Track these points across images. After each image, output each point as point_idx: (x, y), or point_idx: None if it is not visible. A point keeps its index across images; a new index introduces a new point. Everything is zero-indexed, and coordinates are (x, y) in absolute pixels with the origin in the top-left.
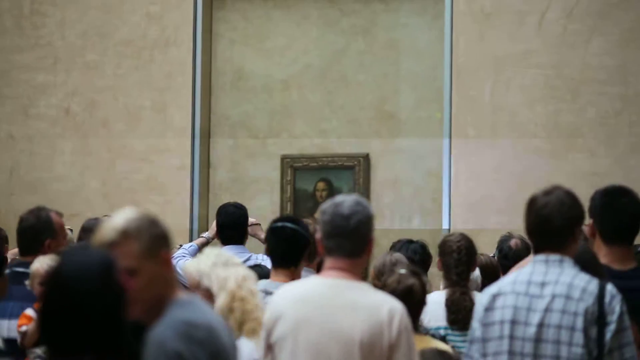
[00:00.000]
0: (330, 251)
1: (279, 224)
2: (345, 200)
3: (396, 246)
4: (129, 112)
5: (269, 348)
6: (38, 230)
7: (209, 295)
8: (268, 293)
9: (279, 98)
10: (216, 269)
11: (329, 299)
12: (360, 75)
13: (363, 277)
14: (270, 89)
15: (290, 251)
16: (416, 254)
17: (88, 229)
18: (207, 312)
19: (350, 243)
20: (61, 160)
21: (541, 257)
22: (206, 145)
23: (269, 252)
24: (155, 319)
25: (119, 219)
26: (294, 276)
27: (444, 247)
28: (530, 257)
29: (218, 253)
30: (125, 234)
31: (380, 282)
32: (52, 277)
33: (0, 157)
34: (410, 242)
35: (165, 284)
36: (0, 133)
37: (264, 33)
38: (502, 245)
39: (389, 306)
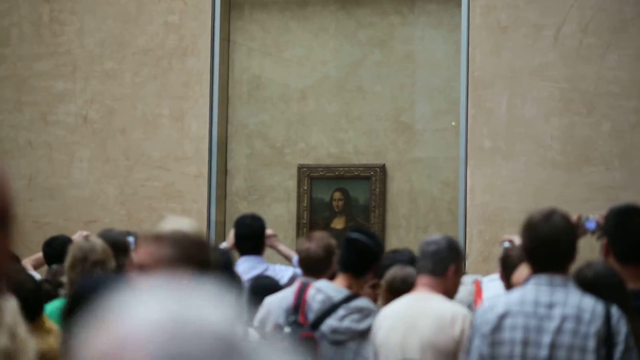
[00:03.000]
0: (418, 270)
1: (354, 235)
2: (434, 235)
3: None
4: (146, 120)
5: (375, 354)
6: None
7: None
8: (320, 291)
9: (296, 108)
10: None
11: (411, 310)
12: (377, 87)
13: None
14: (287, 99)
15: (357, 262)
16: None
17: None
18: None
19: (430, 264)
20: (79, 167)
21: (545, 277)
22: (223, 153)
23: (339, 258)
24: None
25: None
26: (353, 283)
27: (507, 261)
28: (524, 267)
29: None
30: (159, 237)
31: (391, 296)
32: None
33: (19, 164)
34: (395, 251)
35: None
36: (19, 140)
37: (281, 43)
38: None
39: (453, 312)
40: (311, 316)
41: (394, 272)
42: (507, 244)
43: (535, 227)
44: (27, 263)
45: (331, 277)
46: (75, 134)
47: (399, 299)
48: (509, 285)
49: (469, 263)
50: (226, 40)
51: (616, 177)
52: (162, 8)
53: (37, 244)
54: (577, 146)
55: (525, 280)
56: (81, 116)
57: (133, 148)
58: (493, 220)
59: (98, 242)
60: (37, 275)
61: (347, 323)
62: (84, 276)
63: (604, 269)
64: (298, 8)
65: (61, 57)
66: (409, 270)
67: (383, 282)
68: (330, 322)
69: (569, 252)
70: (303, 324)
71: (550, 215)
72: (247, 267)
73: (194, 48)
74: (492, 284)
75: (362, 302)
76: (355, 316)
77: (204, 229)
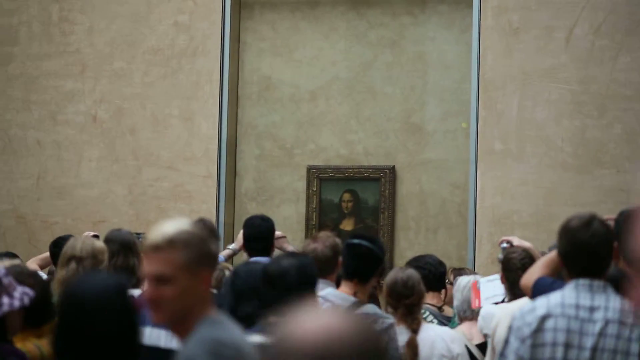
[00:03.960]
0: None
1: (356, 240)
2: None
3: (412, 263)
4: (156, 120)
5: (492, 349)
6: None
7: None
8: (327, 300)
9: (306, 109)
10: None
11: None
12: (388, 88)
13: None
14: (297, 100)
15: (361, 268)
16: (429, 269)
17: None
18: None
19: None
20: (88, 166)
21: (585, 281)
22: (232, 154)
23: (343, 265)
24: (182, 332)
25: (172, 226)
26: (358, 290)
27: (509, 264)
28: (536, 267)
29: None
30: (172, 243)
31: (393, 300)
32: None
33: (28, 163)
34: (422, 257)
35: (196, 300)
36: (28, 139)
37: (292, 44)
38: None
39: None
40: None
41: (395, 274)
42: (505, 245)
43: (576, 233)
44: (34, 262)
45: (337, 278)
46: (84, 134)
47: (520, 299)
48: (511, 287)
49: (478, 265)
50: (236, 40)
51: (627, 180)
52: (172, 8)
53: (44, 243)
54: (588, 149)
55: (536, 282)
56: (90, 116)
57: (142, 148)
58: (503, 223)
59: (88, 241)
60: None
61: None
62: (73, 275)
63: (617, 273)
64: (308, 8)
65: (70, 57)
66: (410, 272)
67: (384, 286)
68: None
69: (608, 258)
70: None
71: (590, 222)
72: None
73: (203, 48)
74: (491, 284)
75: (369, 308)
76: None
77: None
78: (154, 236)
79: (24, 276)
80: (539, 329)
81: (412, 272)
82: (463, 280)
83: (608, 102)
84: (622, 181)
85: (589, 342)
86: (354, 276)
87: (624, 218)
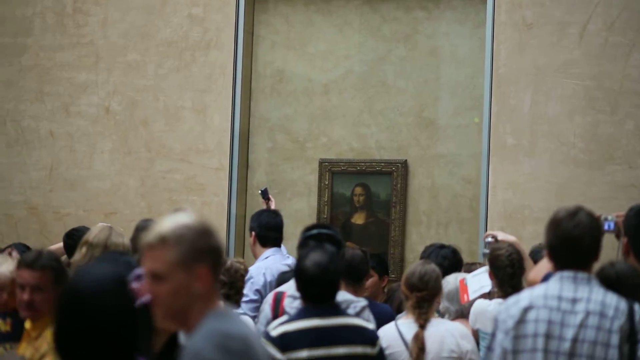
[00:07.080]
0: None
1: (315, 231)
2: None
3: (427, 251)
4: (168, 113)
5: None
6: None
7: None
8: (295, 297)
9: (319, 102)
10: None
11: None
12: (401, 82)
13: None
14: (310, 93)
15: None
16: (446, 259)
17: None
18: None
19: None
20: (100, 158)
21: (569, 273)
22: (245, 147)
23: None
24: (187, 327)
25: (167, 223)
26: None
27: (496, 261)
28: (545, 262)
29: None
30: (164, 240)
31: (408, 291)
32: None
33: (40, 154)
34: (442, 247)
35: (194, 296)
36: (41, 130)
37: (305, 37)
38: (535, 256)
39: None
40: None
41: (415, 266)
42: (489, 239)
43: (560, 224)
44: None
45: None
46: (97, 125)
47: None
48: (500, 284)
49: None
50: (250, 33)
51: (639, 175)
52: (186, 0)
53: (56, 234)
54: (600, 144)
55: (545, 277)
56: (103, 107)
57: (154, 140)
58: (514, 218)
59: (106, 231)
60: None
61: None
62: (82, 259)
63: (627, 268)
64: (322, 2)
65: (84, 48)
66: (430, 267)
67: (404, 275)
68: None
69: (593, 250)
70: None
71: (575, 213)
72: (278, 258)
73: (217, 41)
74: (476, 277)
75: (340, 294)
76: None
77: (224, 222)
78: (149, 235)
79: (46, 258)
80: (521, 320)
81: (432, 268)
82: (449, 281)
83: (621, 98)
84: (633, 177)
85: (569, 333)
86: None
87: (633, 214)
